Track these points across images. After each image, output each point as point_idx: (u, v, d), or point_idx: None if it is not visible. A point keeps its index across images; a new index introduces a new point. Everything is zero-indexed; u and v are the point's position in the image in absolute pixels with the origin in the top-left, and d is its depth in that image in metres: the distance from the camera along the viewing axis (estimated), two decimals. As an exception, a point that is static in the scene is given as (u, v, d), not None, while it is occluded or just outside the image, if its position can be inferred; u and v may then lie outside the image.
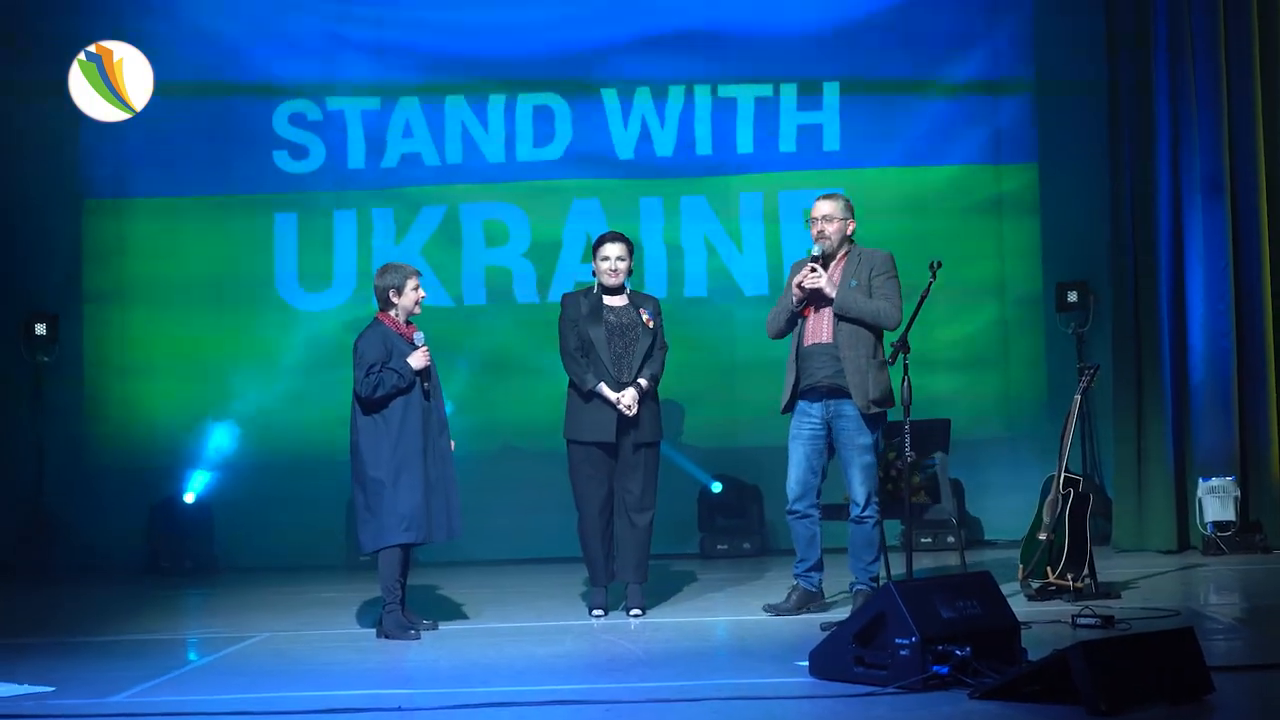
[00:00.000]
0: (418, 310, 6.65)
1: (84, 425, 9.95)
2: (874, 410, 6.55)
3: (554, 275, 9.87)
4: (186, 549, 9.59)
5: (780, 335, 6.78)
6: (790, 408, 6.73)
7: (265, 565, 9.49)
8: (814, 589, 6.76)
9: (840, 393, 6.55)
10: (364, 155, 10.04)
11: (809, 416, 6.66)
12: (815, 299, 6.60)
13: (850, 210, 6.71)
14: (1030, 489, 7.24)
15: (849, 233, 6.71)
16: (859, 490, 6.60)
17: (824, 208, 6.68)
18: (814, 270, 6.55)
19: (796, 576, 6.77)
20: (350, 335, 6.67)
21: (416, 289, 6.62)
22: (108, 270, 10.05)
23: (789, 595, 6.78)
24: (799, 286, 6.57)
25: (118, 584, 9.19)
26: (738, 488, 9.64)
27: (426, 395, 6.51)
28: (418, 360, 6.47)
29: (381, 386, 6.39)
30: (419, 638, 6.41)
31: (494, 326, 9.92)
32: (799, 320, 6.67)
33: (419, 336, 6.55)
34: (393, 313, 6.60)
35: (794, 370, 6.67)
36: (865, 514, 6.61)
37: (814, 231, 6.67)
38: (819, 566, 6.75)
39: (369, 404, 6.44)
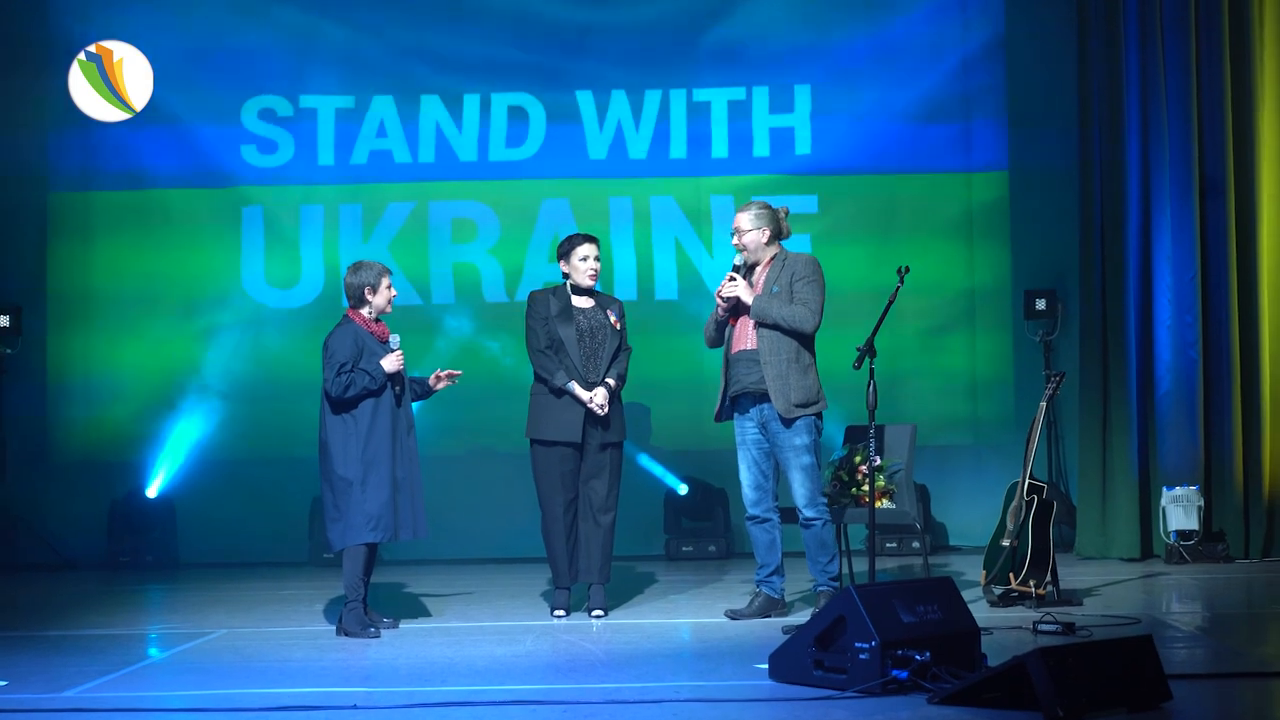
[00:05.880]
0: (389, 309, 6.62)
1: (47, 418, 9.88)
2: (797, 413, 6.50)
3: (522, 274, 9.84)
4: (148, 544, 9.54)
5: (714, 345, 6.80)
6: (723, 416, 6.74)
7: (227, 561, 9.45)
8: (776, 595, 6.73)
9: (768, 397, 6.55)
10: (334, 152, 9.99)
11: (747, 422, 6.66)
12: (741, 307, 6.62)
13: (764, 218, 6.66)
14: (995, 495, 7.23)
15: (765, 240, 6.67)
16: (800, 493, 6.58)
17: (736, 220, 6.71)
18: (732, 279, 6.58)
19: (759, 583, 6.76)
20: (316, 331, 6.60)
21: (389, 288, 6.59)
22: (72, 263, 9.97)
23: (751, 601, 6.76)
24: (719, 296, 6.61)
25: (78, 578, 9.12)
26: (704, 490, 9.64)
27: (398, 400, 6.47)
28: (391, 364, 6.42)
29: (353, 387, 6.34)
30: (379, 636, 6.36)
31: (461, 324, 9.89)
32: (729, 329, 6.69)
33: (395, 340, 6.51)
34: (365, 310, 6.55)
35: (724, 378, 6.69)
36: (811, 516, 6.60)
37: (734, 243, 6.71)
38: (780, 571, 6.74)
39: (338, 403, 6.39)
